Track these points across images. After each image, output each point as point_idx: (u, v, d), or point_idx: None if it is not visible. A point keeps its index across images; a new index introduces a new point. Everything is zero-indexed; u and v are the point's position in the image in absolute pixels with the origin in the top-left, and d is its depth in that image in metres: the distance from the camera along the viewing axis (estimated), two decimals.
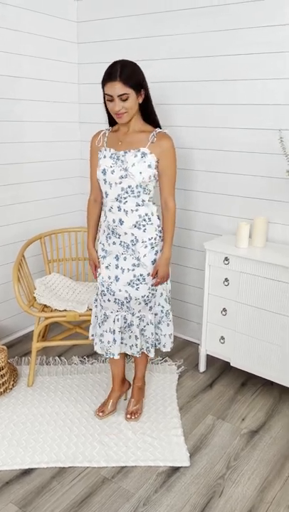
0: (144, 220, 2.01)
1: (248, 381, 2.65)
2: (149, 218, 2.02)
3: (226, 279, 2.46)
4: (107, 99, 1.87)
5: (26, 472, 1.98)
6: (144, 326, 2.18)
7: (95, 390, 2.53)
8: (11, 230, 2.93)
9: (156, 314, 2.21)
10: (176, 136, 2.77)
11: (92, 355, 2.87)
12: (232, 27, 2.42)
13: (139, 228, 2.01)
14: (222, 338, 2.57)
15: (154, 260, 2.07)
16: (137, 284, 2.08)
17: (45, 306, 2.58)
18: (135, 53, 2.79)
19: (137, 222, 2.00)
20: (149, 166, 1.93)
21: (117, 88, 1.81)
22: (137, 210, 1.99)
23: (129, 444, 2.14)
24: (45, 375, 2.66)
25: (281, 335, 2.33)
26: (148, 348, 2.22)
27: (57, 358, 2.85)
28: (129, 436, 2.18)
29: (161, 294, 2.19)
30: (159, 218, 2.07)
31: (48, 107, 2.99)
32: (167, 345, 2.28)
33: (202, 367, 2.74)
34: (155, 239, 2.05)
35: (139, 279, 2.07)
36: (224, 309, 2.51)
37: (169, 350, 2.28)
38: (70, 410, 2.36)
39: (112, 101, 1.85)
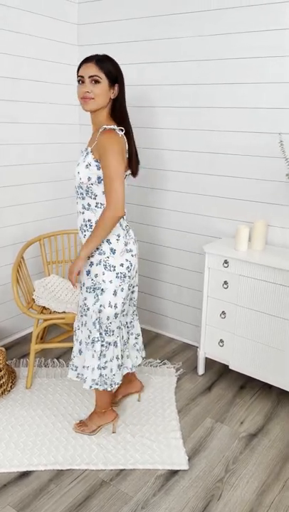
0: (86, 225, 1.92)
1: (247, 384, 2.65)
2: (90, 225, 1.90)
3: (225, 282, 2.46)
4: (78, 81, 1.81)
5: (24, 475, 1.98)
6: (75, 341, 2.06)
7: (93, 392, 2.52)
8: (10, 232, 2.93)
9: (86, 340, 2.02)
10: (176, 139, 2.78)
11: None
12: (232, 31, 2.42)
13: (82, 232, 1.95)
14: (221, 341, 2.56)
15: (88, 271, 1.92)
16: (80, 290, 2.02)
17: (43, 307, 2.57)
18: (135, 56, 2.81)
19: (81, 226, 1.95)
20: (87, 167, 1.81)
21: (91, 69, 1.77)
22: (83, 213, 1.92)
23: (128, 446, 2.13)
24: (44, 377, 2.65)
25: (280, 338, 2.33)
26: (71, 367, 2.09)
27: (55, 360, 2.84)
28: (127, 439, 2.18)
29: (91, 316, 1.96)
30: None
31: (48, 108, 2.99)
32: (87, 382, 2.00)
33: (201, 370, 2.74)
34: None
35: (80, 286, 2.00)
36: (223, 312, 2.51)
37: (87, 388, 2.01)
38: (68, 412, 2.35)
39: (83, 83, 1.80)
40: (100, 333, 1.99)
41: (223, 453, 2.13)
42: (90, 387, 2.02)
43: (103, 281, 1.91)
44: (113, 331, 2.00)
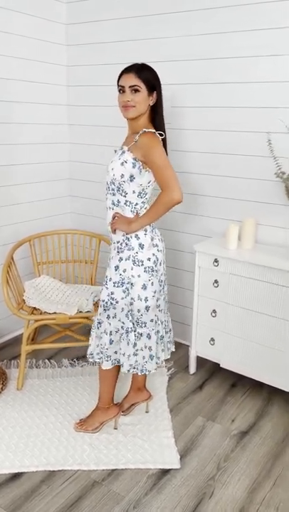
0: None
1: (238, 382, 2.66)
2: None
3: (216, 281, 2.46)
4: (119, 90, 1.90)
5: (15, 476, 1.97)
6: (101, 334, 2.09)
7: (85, 392, 2.52)
8: (0, 232, 2.92)
9: (117, 331, 2.04)
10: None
11: (82, 357, 2.86)
12: (222, 30, 2.43)
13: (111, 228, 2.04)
14: (212, 339, 2.57)
15: (117, 267, 1.98)
16: (103, 285, 2.05)
17: (34, 308, 2.56)
18: (125, 56, 2.80)
19: (110, 222, 2.03)
20: (122, 164, 1.89)
21: (130, 79, 1.86)
22: (112, 209, 2.01)
23: (120, 446, 2.13)
24: (35, 378, 2.65)
25: (271, 336, 2.34)
26: (100, 359, 2.10)
27: (46, 360, 2.83)
28: (119, 438, 2.18)
29: (122, 309, 2.00)
30: None
31: (37, 108, 2.98)
32: (125, 366, 2.05)
33: (192, 368, 2.74)
34: (121, 244, 1.98)
35: (105, 280, 2.04)
36: (214, 311, 2.52)
37: (125, 371, 2.06)
38: (60, 413, 2.34)
39: (124, 92, 1.88)
40: (133, 324, 2.03)
41: (215, 451, 2.14)
42: (128, 371, 2.07)
43: (132, 276, 1.97)
44: (145, 323, 2.04)
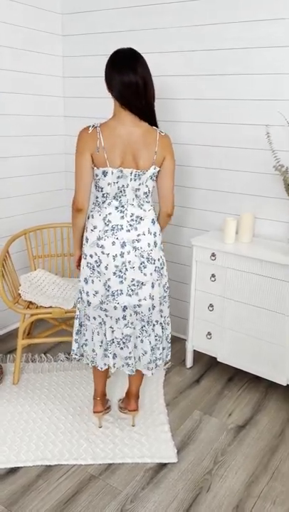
0: None
1: (235, 376, 2.66)
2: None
3: (213, 275, 2.45)
4: None
5: (11, 471, 1.96)
6: None
7: (81, 386, 2.51)
8: None
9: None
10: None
11: None
12: (220, 21, 2.40)
13: None
14: (209, 333, 2.57)
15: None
16: None
17: (30, 302, 2.54)
18: (120, 46, 2.75)
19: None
20: None
21: None
22: None
23: (117, 441, 2.12)
24: (31, 373, 2.63)
25: (267, 330, 2.34)
26: None
27: (43, 355, 2.82)
28: (116, 433, 2.17)
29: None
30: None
31: (31, 100, 2.94)
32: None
33: (189, 362, 2.74)
34: None
35: None
36: (211, 305, 2.51)
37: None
38: (56, 407, 2.33)
39: None
40: (80, 311, 2.05)
41: (212, 445, 2.13)
42: (72, 354, 2.13)
43: (82, 265, 1.98)
44: (89, 317, 2.01)
